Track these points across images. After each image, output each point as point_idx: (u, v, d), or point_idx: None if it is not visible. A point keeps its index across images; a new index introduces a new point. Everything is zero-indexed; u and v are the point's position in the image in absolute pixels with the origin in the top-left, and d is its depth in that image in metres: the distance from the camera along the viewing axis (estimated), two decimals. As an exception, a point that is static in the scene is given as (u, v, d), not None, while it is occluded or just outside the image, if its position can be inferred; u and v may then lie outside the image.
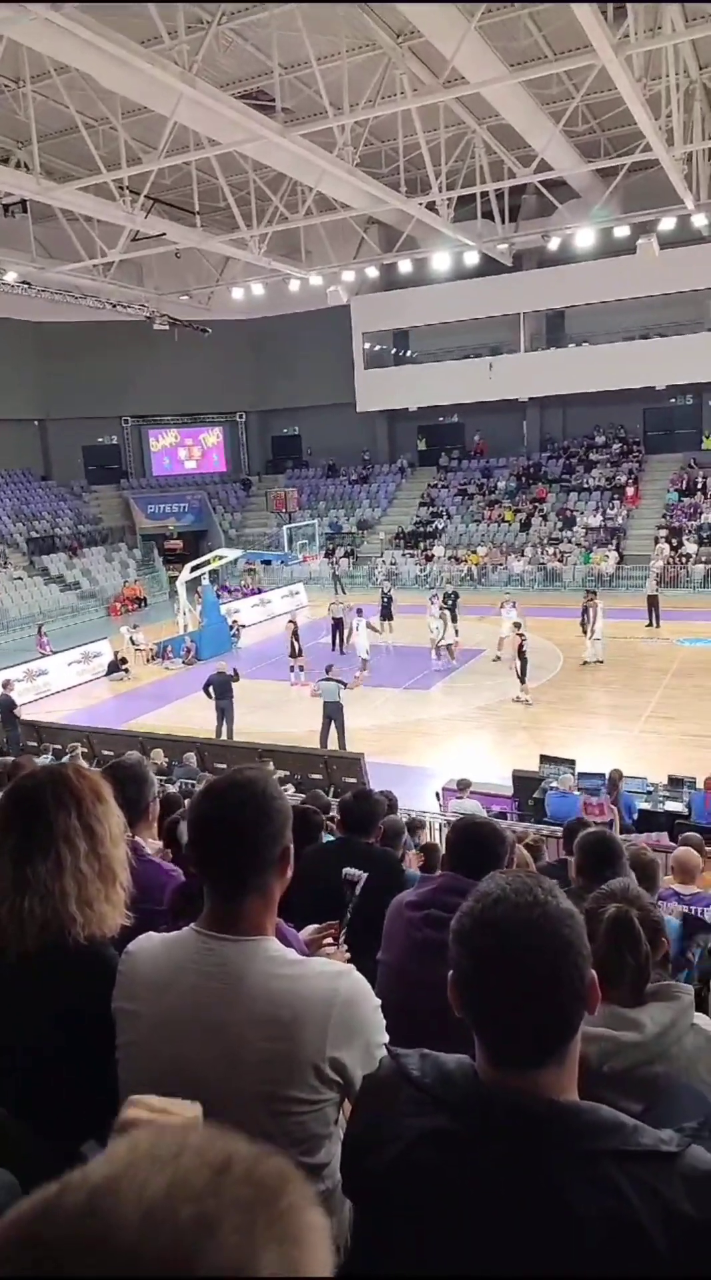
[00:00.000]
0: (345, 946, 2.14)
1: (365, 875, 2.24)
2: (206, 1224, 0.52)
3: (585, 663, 19.59)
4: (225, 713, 16.14)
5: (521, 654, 17.14)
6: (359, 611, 20.12)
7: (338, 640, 21.04)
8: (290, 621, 20.59)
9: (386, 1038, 1.59)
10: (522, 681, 17.27)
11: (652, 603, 22.68)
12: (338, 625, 21.18)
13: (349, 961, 1.88)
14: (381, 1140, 1.20)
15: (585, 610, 20.10)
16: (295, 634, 19.75)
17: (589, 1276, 1.03)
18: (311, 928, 2.33)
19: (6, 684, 16.54)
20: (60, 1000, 1.65)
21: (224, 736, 15.75)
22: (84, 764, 2.10)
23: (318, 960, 1.68)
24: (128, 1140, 0.59)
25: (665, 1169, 1.08)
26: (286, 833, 1.62)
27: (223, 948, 1.56)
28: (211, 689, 16.15)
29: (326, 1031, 1.50)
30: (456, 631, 21.78)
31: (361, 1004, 1.57)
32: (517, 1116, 1.12)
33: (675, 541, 28.57)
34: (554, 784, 10.78)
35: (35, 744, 14.32)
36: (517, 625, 17.99)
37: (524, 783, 11.53)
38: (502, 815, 10.40)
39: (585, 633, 19.90)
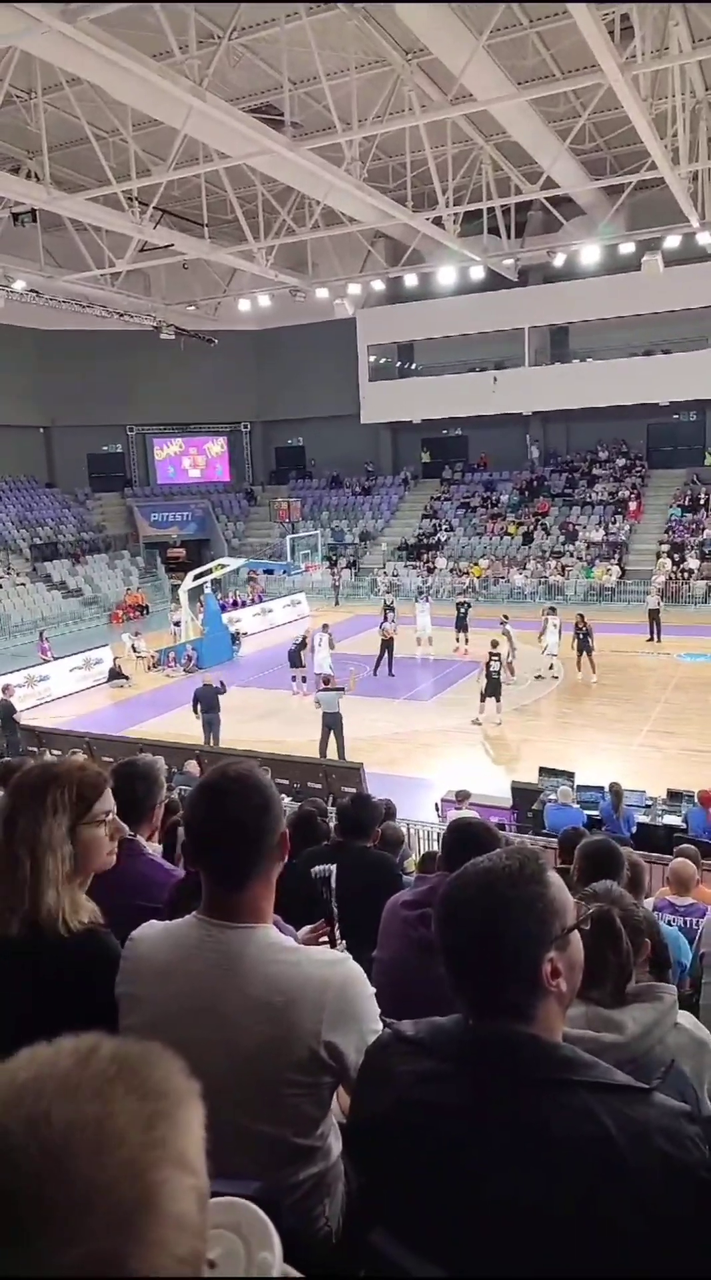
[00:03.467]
0: (343, 944, 2.17)
1: (333, 867, 2.25)
2: (65, 1092, 0.61)
3: (552, 677, 19.55)
4: (211, 725, 16.10)
5: (489, 673, 16.68)
6: (324, 627, 19.99)
7: (384, 662, 20.65)
8: (315, 631, 20.35)
9: (380, 1025, 1.63)
10: (483, 700, 16.79)
11: (654, 617, 22.71)
12: (388, 646, 20.72)
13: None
14: (380, 1089, 1.31)
15: (577, 628, 19.55)
16: (303, 644, 19.74)
17: (570, 1192, 1.11)
18: (305, 930, 2.36)
19: (6, 689, 16.58)
20: (59, 981, 1.70)
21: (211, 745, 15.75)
22: (82, 761, 2.16)
23: (314, 948, 1.72)
24: (18, 1051, 0.67)
25: (638, 1103, 1.17)
26: (281, 823, 1.66)
27: (224, 934, 1.61)
28: (199, 704, 16.11)
29: (322, 1016, 1.54)
30: (466, 640, 21.88)
31: (356, 990, 1.61)
32: (498, 1050, 1.22)
33: (677, 557, 28.64)
34: (552, 796, 10.80)
35: (35, 749, 14.34)
36: (494, 644, 17.23)
37: (523, 794, 11.54)
38: (502, 827, 10.41)
39: (581, 651, 19.39)
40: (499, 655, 17.00)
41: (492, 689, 16.77)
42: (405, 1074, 1.29)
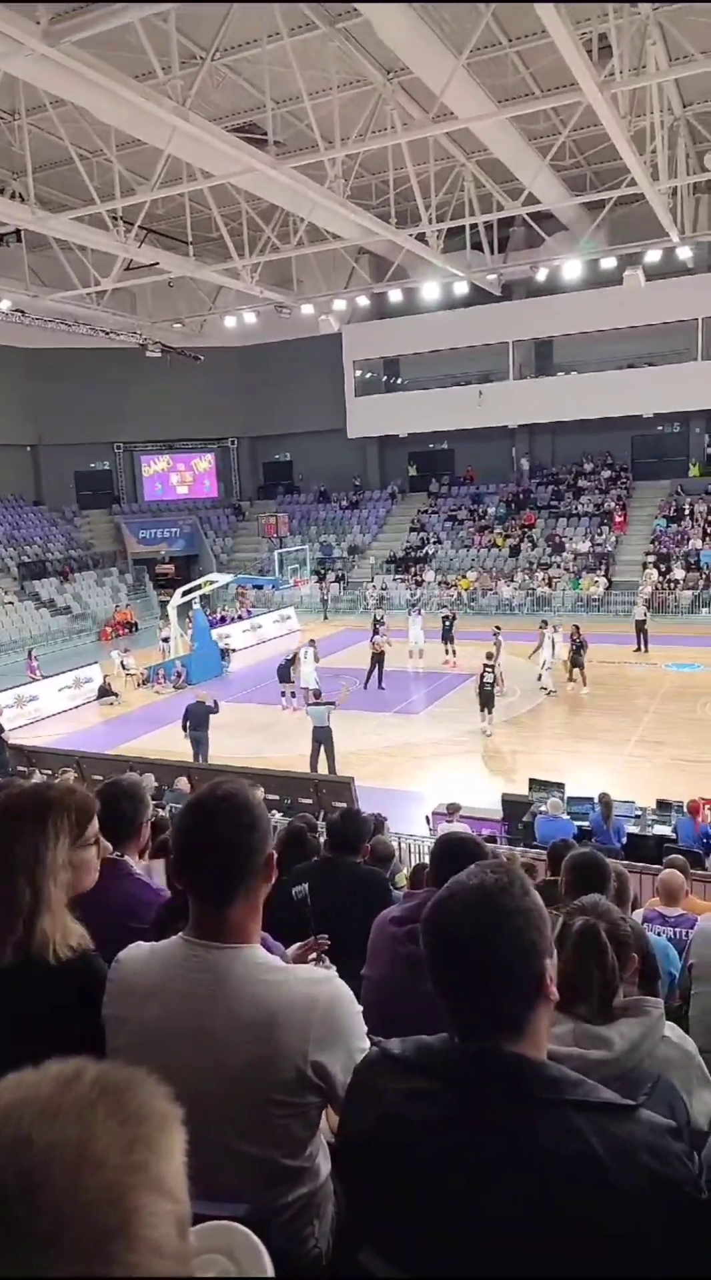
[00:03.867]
0: (326, 961, 2.17)
1: (306, 887, 2.25)
2: (46, 1116, 0.62)
3: (548, 691, 19.39)
4: (200, 744, 16.03)
5: (482, 684, 16.80)
6: (311, 642, 19.96)
7: (375, 675, 20.55)
8: (302, 646, 20.33)
9: (368, 1043, 1.63)
10: (483, 710, 16.99)
11: (641, 628, 22.81)
12: (378, 659, 20.61)
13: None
14: (367, 1107, 1.31)
15: (572, 638, 19.73)
16: (294, 660, 19.70)
17: (557, 1210, 1.12)
18: (295, 947, 2.36)
19: (-6, 710, 16.47)
20: (48, 1009, 1.69)
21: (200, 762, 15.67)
22: (72, 784, 2.17)
23: (301, 967, 1.72)
24: (6, 1076, 0.68)
25: (624, 1121, 1.18)
26: (268, 843, 1.66)
27: (210, 954, 1.60)
28: (188, 720, 16.05)
29: (308, 1035, 1.54)
30: (454, 653, 21.95)
31: (343, 1009, 1.61)
32: (485, 1069, 1.23)
33: (663, 567, 28.79)
34: (543, 808, 10.79)
35: (25, 768, 14.27)
36: (489, 655, 17.40)
37: (513, 806, 11.53)
38: (492, 839, 10.39)
39: (573, 664, 19.56)
40: (493, 667, 17.04)
41: (486, 700, 16.88)
42: (392, 1092, 1.29)
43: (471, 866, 1.35)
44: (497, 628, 20.29)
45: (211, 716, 16.10)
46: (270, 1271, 1.05)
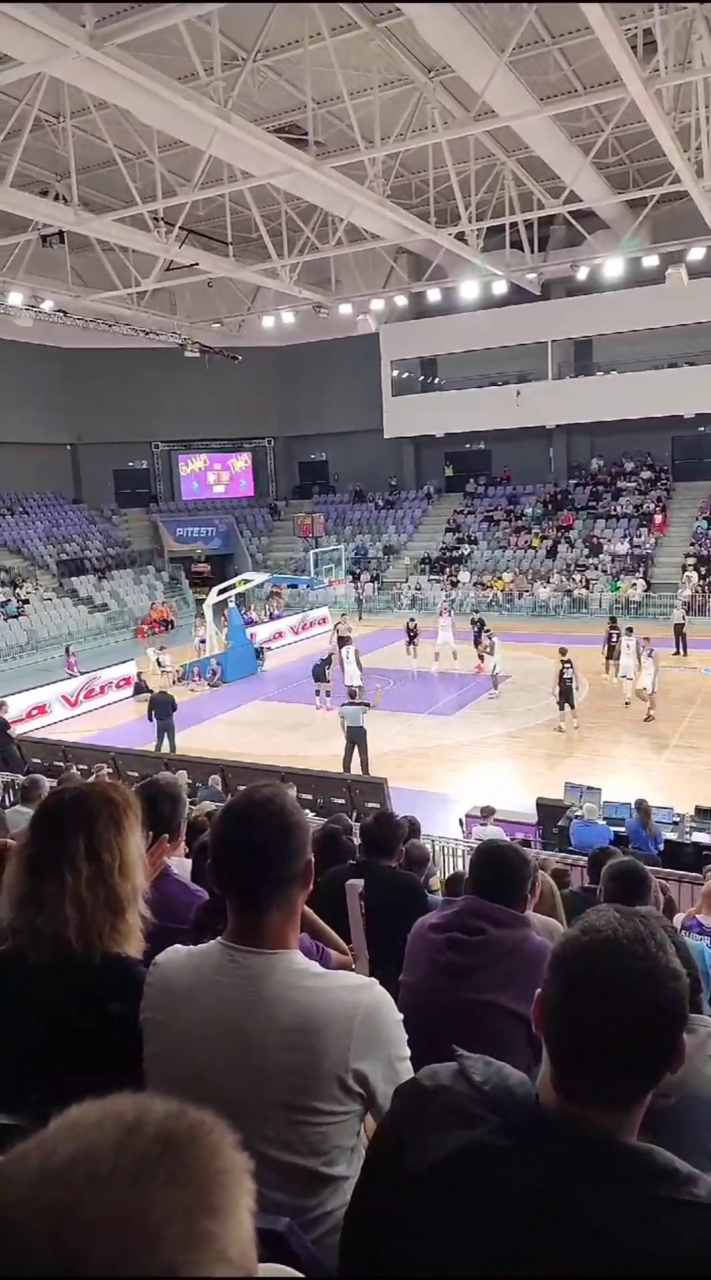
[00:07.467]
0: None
1: (362, 880, 2.22)
2: (99, 1181, 0.55)
3: (627, 703, 18.59)
4: (167, 731, 16.68)
5: (562, 680, 17.01)
6: (350, 641, 20.07)
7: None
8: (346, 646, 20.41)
9: (408, 1051, 1.61)
10: (561, 708, 17.20)
11: (679, 631, 22.49)
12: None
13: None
14: (425, 1140, 1.17)
15: (609, 635, 19.64)
16: (329, 660, 19.78)
17: None
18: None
19: (1, 706, 16.65)
20: (86, 1010, 1.68)
21: (166, 751, 16.13)
22: (116, 782, 2.12)
23: (341, 973, 1.70)
24: (66, 1112, 0.62)
25: None
26: (306, 849, 1.64)
27: (247, 960, 1.59)
28: (155, 710, 16.82)
29: (349, 1043, 1.52)
30: (482, 657, 21.83)
31: (384, 1016, 1.59)
32: (574, 1147, 1.10)
33: (703, 570, 28.38)
34: (578, 812, 10.68)
35: (62, 764, 14.42)
36: (563, 650, 17.38)
37: (548, 810, 11.43)
38: (527, 843, 10.29)
39: (606, 668, 19.34)
40: (570, 662, 17.14)
41: (565, 695, 17.01)
42: (460, 1136, 1.16)
43: (609, 911, 1.21)
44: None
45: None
46: None
